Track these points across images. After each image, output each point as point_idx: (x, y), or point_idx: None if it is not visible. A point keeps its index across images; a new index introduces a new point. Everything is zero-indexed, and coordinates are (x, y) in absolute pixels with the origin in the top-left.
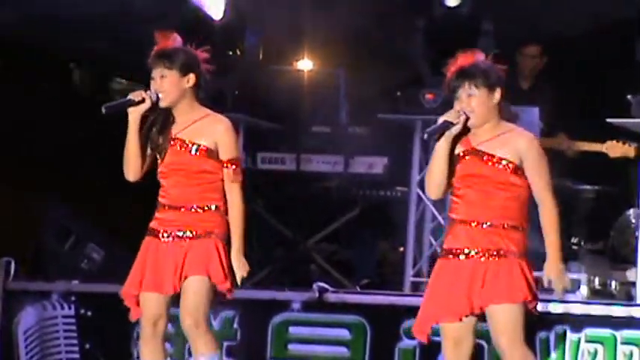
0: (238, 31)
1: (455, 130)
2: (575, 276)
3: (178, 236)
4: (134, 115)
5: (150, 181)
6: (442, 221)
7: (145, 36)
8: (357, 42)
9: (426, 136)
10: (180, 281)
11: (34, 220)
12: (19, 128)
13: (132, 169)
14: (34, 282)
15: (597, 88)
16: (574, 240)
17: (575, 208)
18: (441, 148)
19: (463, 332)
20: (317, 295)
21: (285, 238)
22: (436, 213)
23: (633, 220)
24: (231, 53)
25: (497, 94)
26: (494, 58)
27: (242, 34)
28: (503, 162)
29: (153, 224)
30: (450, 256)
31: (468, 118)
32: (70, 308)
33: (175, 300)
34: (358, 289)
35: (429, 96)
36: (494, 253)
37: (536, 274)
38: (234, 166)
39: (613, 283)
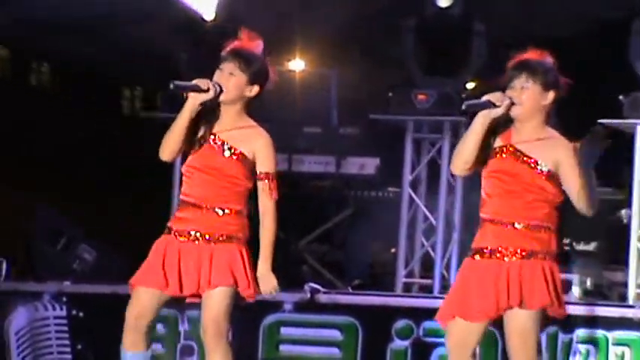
0: (229, 32)
1: (495, 112)
2: (567, 276)
3: (200, 237)
4: (194, 100)
5: (143, 183)
6: (434, 222)
7: (132, 37)
8: (349, 42)
9: (464, 106)
10: (204, 286)
11: (25, 221)
12: (10, 129)
13: (171, 148)
14: (26, 283)
15: (589, 89)
16: (566, 241)
17: (567, 208)
18: (477, 125)
19: (470, 332)
20: (309, 295)
21: (277, 239)
22: (428, 214)
23: (625, 221)
24: (222, 54)
25: (551, 96)
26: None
27: (233, 35)
28: (539, 167)
29: (172, 223)
30: (478, 256)
31: (511, 104)
32: (61, 309)
33: (170, 302)
34: (350, 290)
35: (420, 96)
36: (521, 254)
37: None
38: (271, 181)
39: (605, 284)
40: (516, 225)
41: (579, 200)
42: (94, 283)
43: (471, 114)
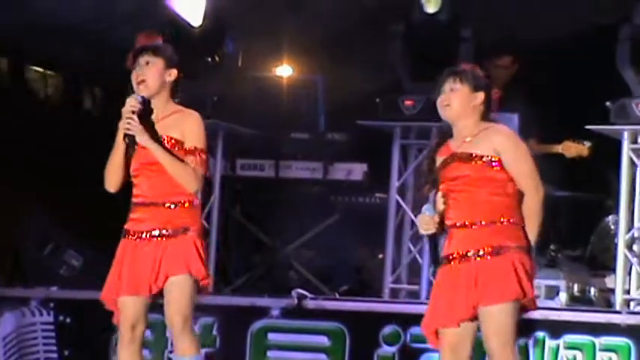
0: (217, 38)
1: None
2: (554, 282)
3: (154, 235)
4: (120, 137)
5: (131, 190)
6: None
7: (122, 42)
8: (336, 48)
9: (433, 267)
10: (157, 282)
11: (12, 227)
12: None
13: (114, 178)
14: (13, 288)
15: (576, 95)
16: (553, 247)
17: (555, 214)
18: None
19: (461, 338)
20: (296, 301)
21: (264, 245)
22: (415, 219)
23: (612, 227)
24: (210, 60)
25: (480, 98)
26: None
27: (221, 41)
28: (483, 158)
29: (128, 225)
30: (447, 262)
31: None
32: (48, 315)
33: (152, 305)
34: (337, 296)
35: (408, 102)
36: (487, 251)
37: None
38: (197, 155)
39: (592, 290)
40: (479, 224)
41: (525, 181)
42: (81, 289)
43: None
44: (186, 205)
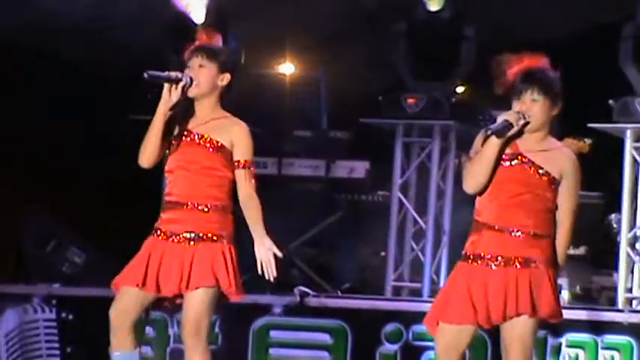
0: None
1: (511, 132)
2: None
3: (185, 238)
4: (166, 104)
5: (132, 186)
6: (423, 225)
7: (125, 40)
8: (339, 46)
9: (489, 132)
10: (184, 285)
11: (15, 224)
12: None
13: (149, 153)
14: (15, 285)
15: (579, 93)
16: None
17: None
18: (493, 146)
19: (460, 337)
20: (298, 299)
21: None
22: (417, 217)
23: (615, 225)
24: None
25: (558, 109)
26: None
27: (223, 38)
28: (547, 176)
29: (158, 224)
30: (478, 260)
31: (526, 124)
32: (51, 312)
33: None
34: (339, 294)
35: (410, 100)
36: (524, 262)
37: None
38: (248, 168)
39: (594, 288)
40: (518, 233)
41: (568, 217)
42: (84, 286)
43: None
44: (219, 209)
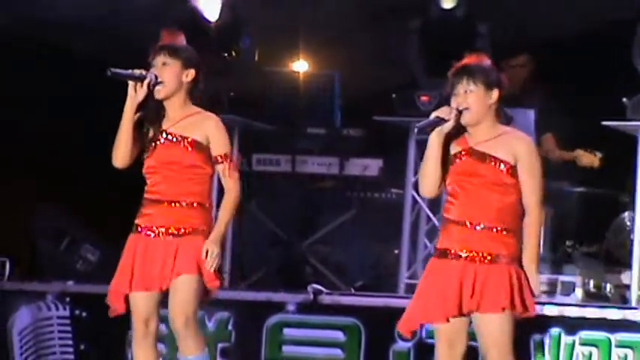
0: (234, 33)
1: (447, 127)
2: (569, 279)
3: (166, 233)
4: (132, 100)
5: (143, 181)
6: (437, 223)
7: (142, 36)
8: (353, 44)
9: (416, 130)
10: (168, 279)
11: (29, 221)
12: (12, 127)
13: (121, 153)
14: (29, 282)
15: (593, 91)
16: (568, 243)
17: (570, 210)
18: (433, 144)
19: (456, 334)
20: (312, 296)
21: (280, 240)
22: (431, 215)
23: (628, 223)
24: (226, 55)
25: (495, 94)
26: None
27: (237, 36)
28: (501, 163)
29: (139, 221)
30: (442, 256)
31: (459, 114)
32: (64, 309)
33: (165, 300)
34: (353, 291)
35: (424, 98)
36: (486, 257)
37: None
38: (227, 161)
39: (607, 286)
40: (481, 227)
41: (530, 195)
42: (98, 284)
43: (428, 133)
44: (199, 205)
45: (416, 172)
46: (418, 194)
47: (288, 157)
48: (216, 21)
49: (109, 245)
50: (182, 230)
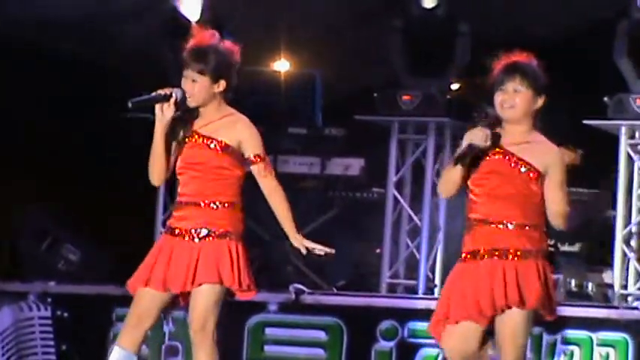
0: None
1: (479, 152)
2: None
3: (193, 233)
4: (161, 122)
5: (128, 183)
6: (418, 223)
7: (124, 35)
8: (334, 43)
9: (456, 163)
10: (189, 282)
11: (10, 221)
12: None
13: (157, 172)
14: (11, 283)
15: (574, 89)
16: (550, 242)
17: None
18: (458, 171)
19: (468, 339)
20: (293, 296)
21: (262, 240)
22: (412, 214)
23: (610, 222)
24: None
25: (541, 101)
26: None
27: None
28: (530, 169)
29: (170, 222)
30: (471, 257)
31: (495, 140)
32: (46, 309)
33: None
34: (335, 291)
35: (405, 97)
36: (515, 254)
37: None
38: (261, 161)
39: (589, 285)
40: (509, 225)
41: (557, 209)
42: (79, 284)
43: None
44: (228, 206)
45: (397, 171)
46: (400, 193)
47: (269, 156)
48: (197, 20)
49: (91, 246)
50: (207, 232)
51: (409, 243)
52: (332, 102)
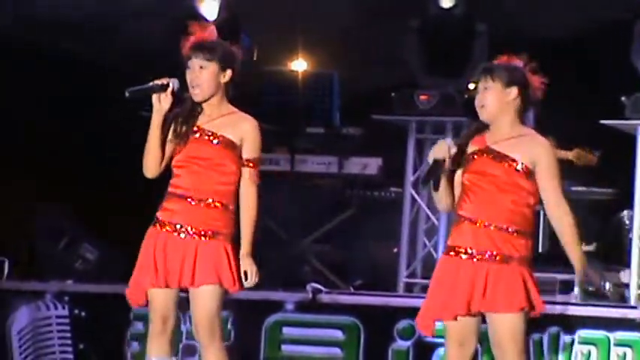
0: (232, 32)
1: (447, 164)
2: (568, 277)
3: (186, 232)
4: (158, 114)
5: (144, 182)
6: (436, 222)
7: (141, 35)
8: (351, 43)
9: (421, 186)
10: (188, 280)
11: (28, 220)
12: (11, 127)
13: (152, 163)
14: (28, 282)
15: (591, 90)
16: None
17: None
18: (439, 179)
19: (467, 333)
20: (310, 295)
21: (279, 239)
22: (430, 214)
23: (627, 222)
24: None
25: (514, 92)
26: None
27: (236, 35)
28: (517, 164)
29: (160, 214)
30: (453, 253)
31: (459, 150)
32: (63, 308)
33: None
34: (352, 290)
35: (423, 97)
36: (498, 257)
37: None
38: (254, 167)
39: (606, 285)
40: (494, 227)
41: (552, 202)
42: (96, 283)
43: (435, 180)
44: (222, 206)
45: (415, 171)
46: (417, 193)
47: (287, 156)
48: (215, 20)
49: (108, 245)
50: (203, 232)
51: (426, 242)
52: (349, 101)
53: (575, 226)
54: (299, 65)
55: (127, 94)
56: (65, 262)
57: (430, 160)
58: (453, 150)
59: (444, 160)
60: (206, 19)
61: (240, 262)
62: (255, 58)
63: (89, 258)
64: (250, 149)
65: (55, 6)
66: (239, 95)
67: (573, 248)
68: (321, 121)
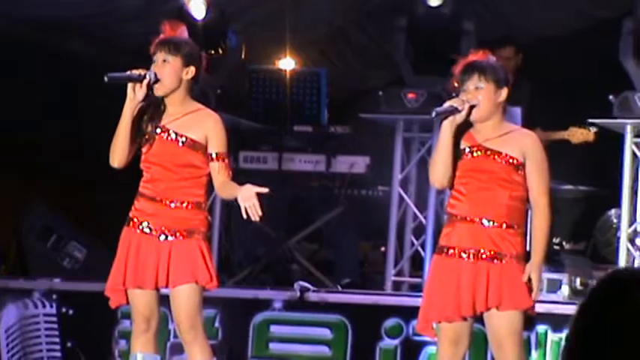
0: (220, 31)
1: (459, 117)
2: (556, 276)
3: (160, 232)
4: (132, 102)
5: (134, 180)
6: (423, 220)
7: (129, 34)
8: (339, 41)
9: (434, 114)
10: (163, 280)
11: (16, 219)
12: (1, 125)
13: (118, 153)
14: (16, 280)
15: (579, 88)
16: (555, 240)
17: (557, 208)
18: (446, 132)
19: (461, 333)
20: (298, 294)
21: (267, 237)
22: (417, 212)
23: (615, 220)
24: (213, 53)
25: (504, 93)
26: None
27: (224, 34)
28: (510, 159)
29: (133, 214)
30: (449, 253)
31: (472, 107)
32: (51, 306)
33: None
34: (339, 289)
35: (410, 95)
36: (497, 255)
37: None
38: (223, 159)
39: (594, 283)
40: (488, 223)
41: (535, 190)
42: (84, 281)
43: (442, 120)
44: (194, 206)
45: (403, 169)
46: (405, 191)
47: (275, 154)
48: (203, 19)
49: (96, 243)
50: (176, 232)
51: (414, 241)
52: (337, 100)
53: (549, 220)
54: (287, 64)
55: (105, 79)
56: (53, 260)
57: (447, 105)
58: (467, 106)
59: (459, 110)
60: (194, 18)
61: (240, 202)
62: (243, 57)
63: (77, 256)
64: (216, 144)
65: (55, 6)
66: (228, 93)
67: (539, 240)
68: (309, 120)
